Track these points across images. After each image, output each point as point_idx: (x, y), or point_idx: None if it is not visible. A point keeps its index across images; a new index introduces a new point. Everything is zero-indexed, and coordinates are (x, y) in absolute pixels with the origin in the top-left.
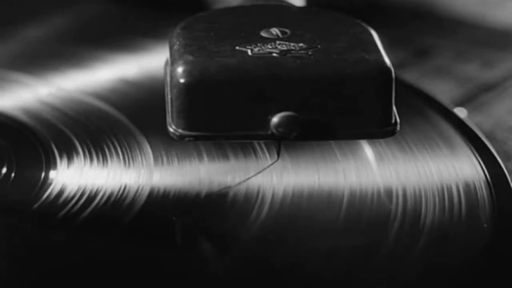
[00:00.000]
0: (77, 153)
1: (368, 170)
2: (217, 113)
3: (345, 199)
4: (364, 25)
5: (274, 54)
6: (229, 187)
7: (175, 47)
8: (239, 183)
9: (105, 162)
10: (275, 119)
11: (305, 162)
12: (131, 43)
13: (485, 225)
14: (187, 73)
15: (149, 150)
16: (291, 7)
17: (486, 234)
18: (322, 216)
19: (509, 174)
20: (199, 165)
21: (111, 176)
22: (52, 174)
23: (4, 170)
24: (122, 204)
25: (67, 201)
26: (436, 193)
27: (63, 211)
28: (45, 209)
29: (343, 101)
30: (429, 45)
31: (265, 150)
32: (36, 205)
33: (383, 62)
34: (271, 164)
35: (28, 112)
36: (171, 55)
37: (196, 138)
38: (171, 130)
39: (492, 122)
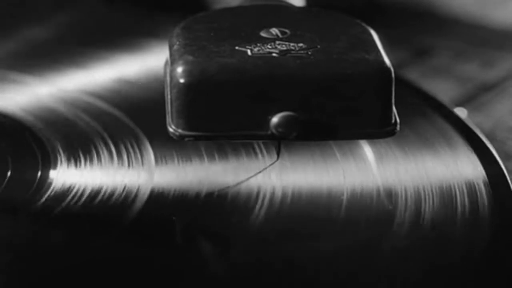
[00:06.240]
0: (77, 153)
1: (368, 170)
2: (217, 113)
3: (345, 199)
4: (364, 25)
5: (274, 54)
6: (229, 187)
7: (175, 47)
8: (239, 183)
9: (105, 162)
10: (275, 119)
11: (305, 162)
12: (131, 43)
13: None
14: (187, 73)
15: (149, 150)
16: (291, 7)
17: (486, 234)
18: (322, 216)
19: (509, 174)
20: (199, 165)
21: (111, 176)
22: (52, 174)
23: (4, 170)
24: (122, 204)
25: (67, 201)
26: (436, 193)
27: (63, 211)
28: (45, 209)
29: (343, 101)
30: (429, 45)
31: (265, 150)
32: (36, 205)
33: (383, 62)
34: (271, 164)
35: (28, 112)
36: (171, 55)
37: (196, 138)
38: (171, 130)
39: (492, 122)
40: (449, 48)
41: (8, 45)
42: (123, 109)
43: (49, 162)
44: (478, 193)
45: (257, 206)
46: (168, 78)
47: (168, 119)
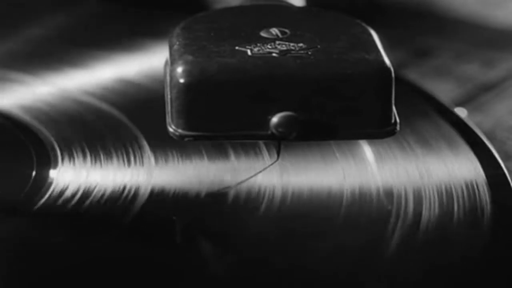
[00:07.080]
0: (77, 153)
1: (368, 170)
2: (217, 113)
3: (345, 199)
4: (364, 25)
5: (274, 54)
6: (229, 187)
7: (175, 47)
8: (239, 183)
9: (105, 162)
10: (275, 119)
11: (305, 162)
12: (131, 43)
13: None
14: (187, 73)
15: (149, 150)
16: (291, 7)
17: (486, 234)
18: (322, 216)
19: (509, 174)
20: (199, 165)
21: (111, 176)
22: (52, 174)
23: (3, 170)
24: (122, 204)
25: (67, 201)
26: (436, 193)
27: (63, 211)
28: (45, 209)
29: (343, 101)
30: (429, 45)
31: (265, 150)
32: (36, 205)
33: (383, 62)
34: (271, 164)
35: (28, 112)
36: (171, 55)
37: (196, 138)
38: (171, 130)
39: (492, 122)
40: (449, 49)
41: (8, 45)
42: (123, 109)
43: (49, 162)
44: (478, 193)
45: (257, 206)
46: (168, 78)
47: (168, 119)
